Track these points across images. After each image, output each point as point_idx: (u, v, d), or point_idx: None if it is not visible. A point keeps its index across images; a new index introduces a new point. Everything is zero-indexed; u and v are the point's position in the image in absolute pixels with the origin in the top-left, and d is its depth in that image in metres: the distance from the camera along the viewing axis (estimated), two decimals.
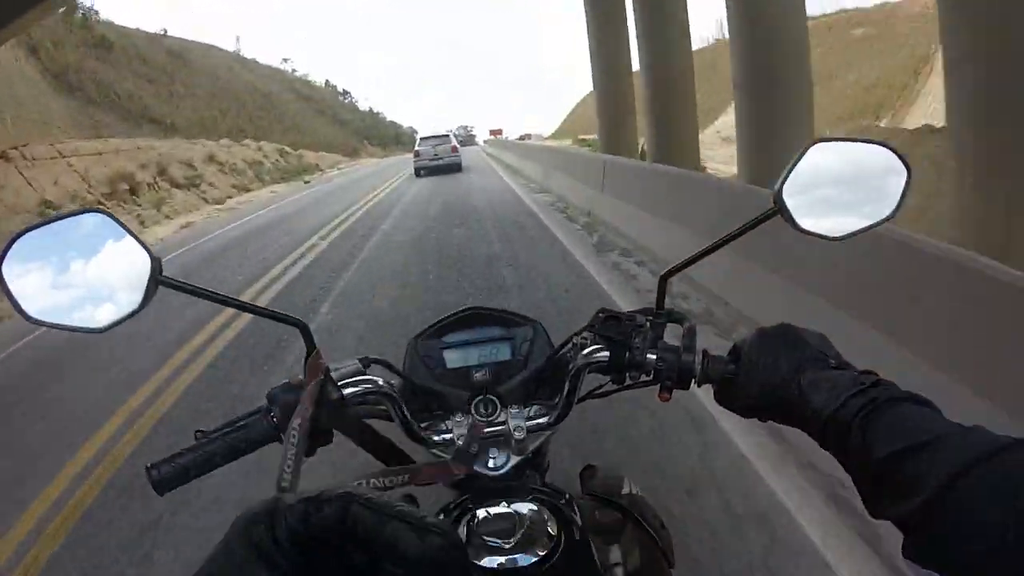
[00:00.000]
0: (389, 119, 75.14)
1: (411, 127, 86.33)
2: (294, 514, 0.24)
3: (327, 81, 65.91)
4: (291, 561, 0.24)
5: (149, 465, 0.53)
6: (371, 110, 70.50)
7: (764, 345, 0.52)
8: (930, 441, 0.37)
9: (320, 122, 43.22)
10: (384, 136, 62.05)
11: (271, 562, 0.24)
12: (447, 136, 18.41)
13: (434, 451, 0.58)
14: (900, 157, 0.58)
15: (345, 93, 66.44)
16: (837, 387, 0.45)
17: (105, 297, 0.51)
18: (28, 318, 0.52)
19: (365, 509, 0.25)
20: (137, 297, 0.50)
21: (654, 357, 0.55)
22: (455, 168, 17.03)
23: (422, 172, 16.98)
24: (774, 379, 0.49)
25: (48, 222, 0.53)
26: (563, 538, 0.49)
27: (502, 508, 0.50)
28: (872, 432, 0.41)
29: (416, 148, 17.77)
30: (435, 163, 17.13)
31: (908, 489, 0.37)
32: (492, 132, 56.62)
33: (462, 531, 0.50)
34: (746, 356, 0.52)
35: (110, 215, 0.51)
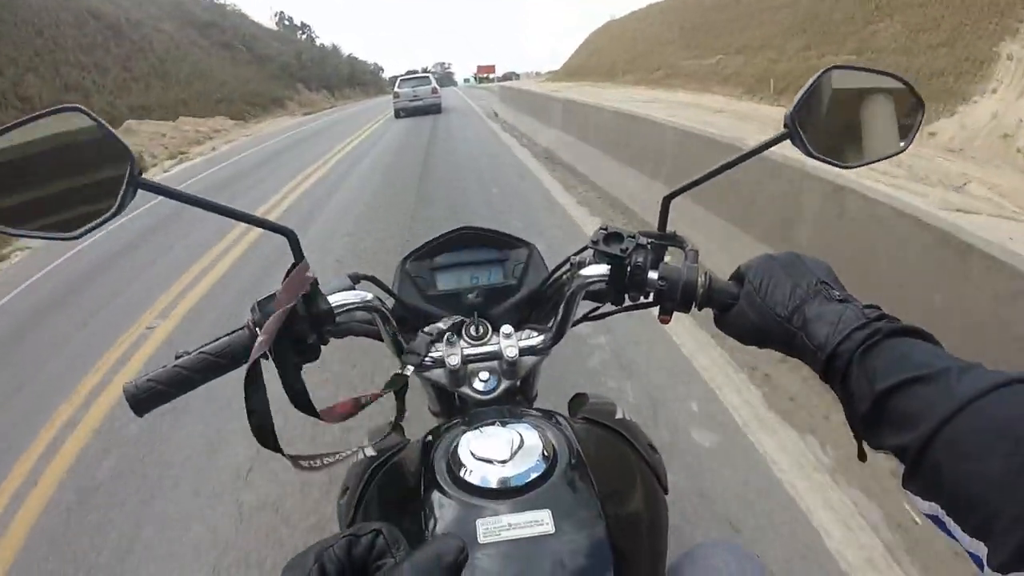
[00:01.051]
0: (346, 53, 63.80)
1: (376, 63, 77.63)
2: (340, 549, 0.28)
3: (281, 13, 58.27)
4: None
5: (127, 383, 0.51)
6: (329, 46, 59.34)
7: (768, 272, 0.51)
8: (931, 375, 0.37)
9: (222, 63, 29.30)
10: (333, 75, 48.22)
11: None
12: (427, 77, 18.25)
13: (424, 373, 0.56)
14: (913, 91, 0.56)
15: (303, 27, 58.47)
16: (841, 321, 0.44)
17: (80, 201, 0.48)
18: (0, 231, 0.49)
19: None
20: (113, 201, 0.47)
21: (656, 277, 0.54)
22: (435, 110, 16.79)
23: (402, 113, 16.78)
24: (776, 309, 0.48)
25: (20, 123, 0.50)
26: (557, 457, 0.47)
27: (495, 428, 0.48)
28: (873, 364, 0.41)
29: (395, 90, 17.60)
30: (415, 104, 16.90)
31: (908, 421, 0.37)
32: (482, 69, 45.49)
33: (455, 451, 0.48)
34: (749, 283, 0.51)
35: (86, 111, 0.48)
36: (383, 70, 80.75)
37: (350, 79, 55.00)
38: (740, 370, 2.24)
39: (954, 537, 0.34)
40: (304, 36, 57.49)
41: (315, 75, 42.86)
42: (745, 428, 1.92)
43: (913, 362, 0.39)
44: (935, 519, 0.36)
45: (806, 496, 1.61)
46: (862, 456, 0.44)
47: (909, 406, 0.37)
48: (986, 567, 0.31)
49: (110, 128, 0.47)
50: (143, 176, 0.47)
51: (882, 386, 0.39)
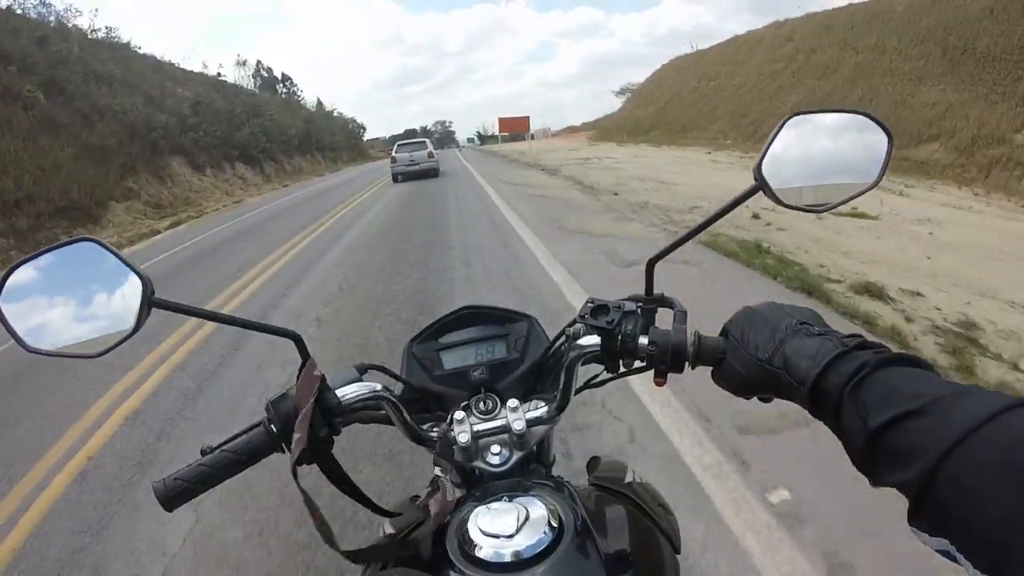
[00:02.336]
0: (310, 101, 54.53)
1: (355, 120, 64.86)
2: None
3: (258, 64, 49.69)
4: None
5: (155, 482, 0.54)
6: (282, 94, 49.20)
7: (748, 321, 0.52)
8: (926, 406, 0.36)
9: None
10: (274, 138, 28.41)
11: None
12: (423, 142, 19.18)
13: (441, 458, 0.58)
14: (879, 123, 0.58)
15: (285, 79, 52.08)
16: (819, 352, 0.44)
17: (100, 322, 0.52)
18: (28, 349, 0.53)
19: None
20: (131, 320, 0.50)
21: (646, 343, 0.55)
22: (432, 173, 17.31)
23: (400, 178, 17.31)
24: (758, 353, 0.49)
25: (40, 254, 0.54)
26: (564, 528, 0.49)
27: (502, 503, 0.51)
28: (864, 400, 0.39)
29: (393, 154, 18.24)
30: (411, 168, 17.47)
31: (907, 457, 0.36)
32: (505, 124, 31.08)
33: (466, 528, 0.50)
34: (732, 335, 0.52)
35: (100, 242, 0.52)
36: (364, 129, 70.62)
37: (306, 143, 37.14)
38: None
39: (967, 569, 0.33)
40: (287, 94, 51.27)
41: (243, 141, 24.66)
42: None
43: (905, 394, 0.38)
44: (946, 553, 0.34)
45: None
46: (875, 483, 0.41)
47: (905, 442, 0.36)
48: None
49: (123, 257, 0.51)
50: (155, 295, 0.50)
51: (875, 423, 0.38)
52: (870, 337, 0.46)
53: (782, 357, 0.47)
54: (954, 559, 0.33)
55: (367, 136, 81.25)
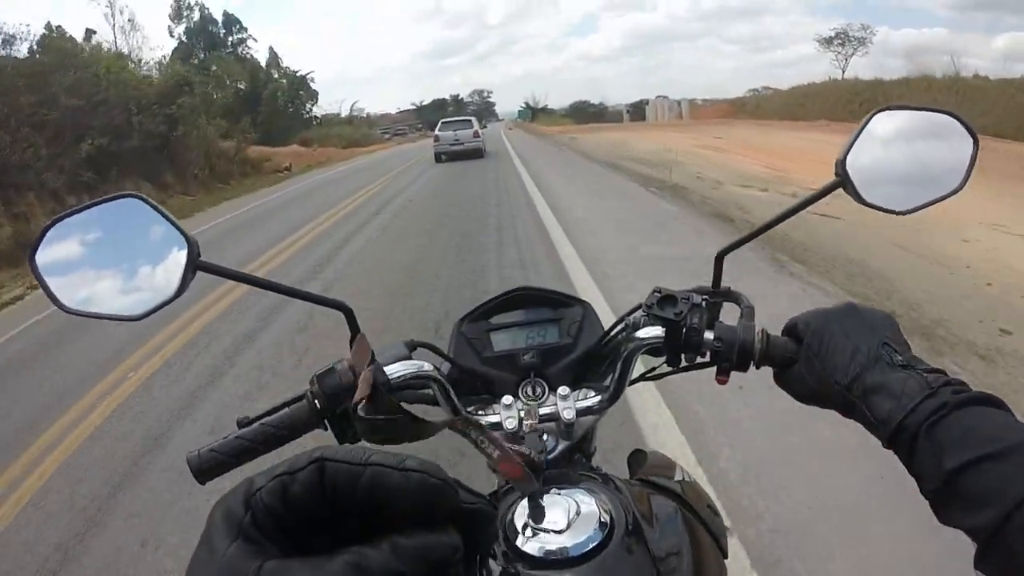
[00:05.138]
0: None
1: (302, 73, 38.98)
2: (270, 494, 0.23)
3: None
4: (278, 543, 0.23)
5: (190, 452, 0.52)
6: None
7: (826, 333, 0.49)
8: (1004, 451, 0.37)
9: None
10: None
11: (258, 549, 0.22)
12: (469, 120, 17.97)
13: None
14: (967, 126, 0.55)
15: (231, 24, 36.80)
16: (904, 394, 0.43)
17: (140, 283, 0.50)
18: (64, 309, 0.51)
19: (340, 464, 0.23)
20: (174, 283, 0.48)
21: (711, 337, 0.53)
22: (476, 154, 16.21)
23: (443, 157, 16.32)
24: (836, 375, 0.47)
25: (82, 208, 0.52)
26: (615, 525, 0.47)
27: (552, 496, 0.48)
28: (942, 439, 0.39)
29: (436, 133, 17.24)
30: (455, 148, 16.39)
31: (982, 501, 0.36)
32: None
33: (510, 518, 0.48)
34: (807, 346, 0.50)
35: (144, 199, 0.50)
36: (313, 98, 41.69)
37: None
38: None
39: None
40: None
41: None
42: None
43: (983, 436, 0.38)
44: None
45: None
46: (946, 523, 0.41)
47: (981, 485, 0.36)
48: None
49: (169, 214, 0.48)
50: (201, 259, 0.48)
51: (952, 464, 0.38)
52: (951, 372, 0.45)
53: (862, 387, 0.45)
54: None
55: (374, 109, 67.57)
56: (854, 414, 0.46)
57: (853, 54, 41.85)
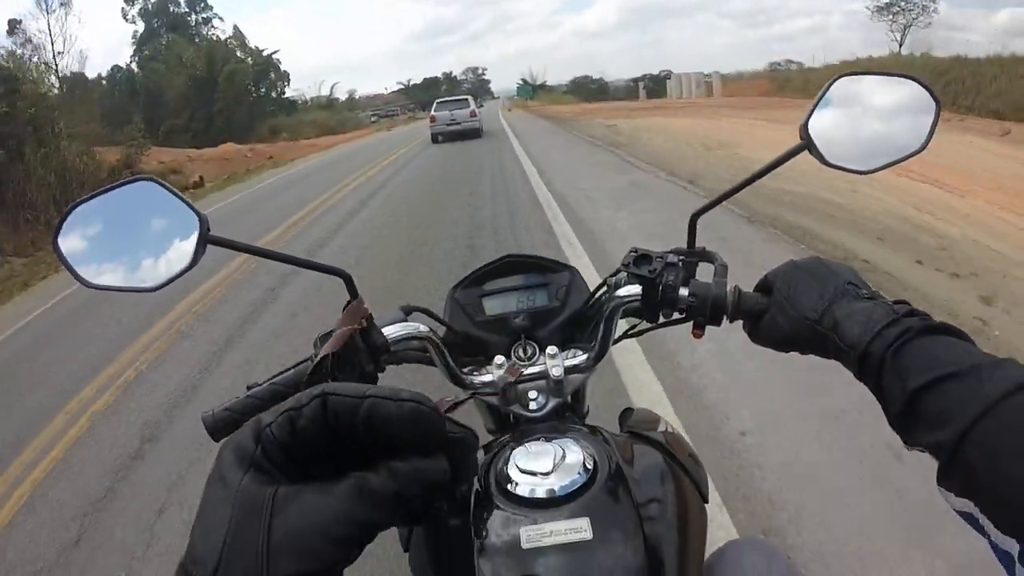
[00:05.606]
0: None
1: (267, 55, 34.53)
2: (280, 427, 0.25)
3: None
4: (287, 472, 0.25)
5: (204, 413, 0.56)
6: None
7: (794, 278, 0.52)
8: (962, 372, 0.38)
9: None
10: None
11: (269, 478, 0.25)
12: (465, 99, 17.69)
13: (479, 397, 0.60)
14: (928, 90, 0.57)
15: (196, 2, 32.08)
16: (872, 319, 0.45)
17: (158, 258, 0.54)
18: (86, 284, 0.55)
19: (341, 397, 0.25)
20: (187, 256, 0.52)
21: (686, 294, 0.56)
22: (473, 134, 15.92)
23: (440, 138, 16.07)
24: (806, 313, 0.49)
25: (100, 193, 0.56)
26: (598, 470, 0.50)
27: (540, 443, 0.52)
28: (905, 362, 0.41)
29: (432, 113, 16.89)
30: (452, 128, 16.12)
31: (941, 420, 0.37)
32: None
33: (502, 465, 0.51)
34: (777, 291, 0.53)
35: (158, 181, 0.54)
36: (285, 79, 37.12)
37: None
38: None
39: (986, 535, 0.35)
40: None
41: None
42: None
43: (944, 360, 0.40)
44: (967, 516, 0.36)
45: None
46: (909, 447, 0.44)
47: (941, 404, 0.38)
48: (1018, 564, 0.32)
49: (181, 195, 0.52)
50: (212, 233, 0.52)
51: (914, 385, 0.39)
52: (916, 304, 0.45)
53: (832, 319, 0.47)
54: (974, 521, 0.35)
55: (361, 92, 61.62)
56: (826, 347, 0.48)
57: (910, 25, 35.02)
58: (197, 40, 33.16)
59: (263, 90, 35.30)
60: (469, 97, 18.61)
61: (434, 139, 16.28)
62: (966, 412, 0.36)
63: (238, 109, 30.27)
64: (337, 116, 39.01)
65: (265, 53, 35.41)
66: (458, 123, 16.23)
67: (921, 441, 0.39)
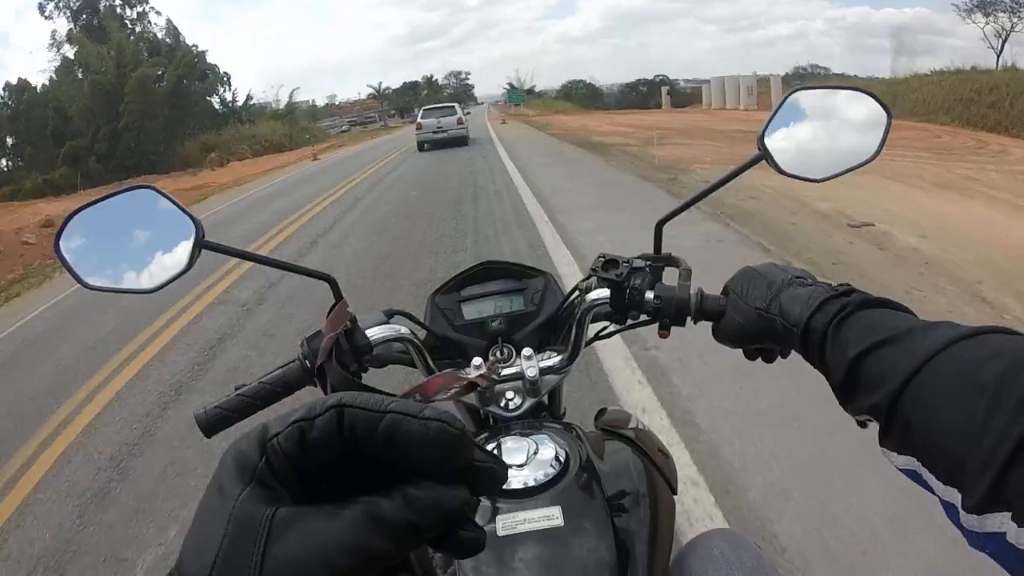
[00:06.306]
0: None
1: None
2: (288, 439, 0.22)
3: None
4: (292, 490, 0.23)
5: (197, 411, 0.59)
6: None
7: (747, 278, 0.56)
8: (898, 335, 0.39)
9: None
10: None
11: (271, 495, 0.22)
12: (452, 107, 17.53)
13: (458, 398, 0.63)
14: (879, 101, 0.61)
15: None
16: (812, 297, 0.48)
17: (155, 262, 0.57)
18: (86, 285, 0.58)
19: (360, 411, 0.23)
20: (183, 260, 0.55)
21: (652, 297, 0.60)
22: (460, 142, 15.84)
23: (426, 146, 15.90)
24: (756, 303, 0.53)
25: (100, 200, 0.59)
26: (570, 463, 0.54)
27: (515, 438, 0.55)
28: (845, 334, 0.43)
29: (419, 120, 16.69)
30: (438, 136, 16.01)
31: (878, 381, 0.39)
32: None
33: None
34: (732, 291, 0.57)
35: (156, 189, 0.57)
36: (224, 83, 32.45)
37: None
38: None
39: (931, 489, 0.36)
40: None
41: None
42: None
43: (881, 327, 0.41)
44: (911, 473, 0.38)
45: None
46: (862, 425, 0.45)
47: (878, 368, 0.39)
48: (961, 511, 0.33)
49: (177, 202, 0.56)
50: (206, 239, 0.55)
51: (853, 352, 0.41)
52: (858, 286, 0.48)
53: (778, 305, 0.51)
54: (918, 478, 0.37)
55: (342, 98, 61.30)
56: (775, 333, 0.51)
57: (1012, 30, 27.10)
58: (132, 38, 27.69)
59: (214, 98, 29.65)
60: (456, 105, 18.45)
61: (420, 147, 16.18)
62: (900, 371, 0.37)
63: (150, 123, 24.52)
64: (293, 127, 32.65)
65: (198, 49, 29.52)
66: (445, 131, 16.13)
67: (862, 406, 0.41)
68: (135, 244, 0.59)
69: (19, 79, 25.06)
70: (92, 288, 0.58)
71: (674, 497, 0.64)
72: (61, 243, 0.59)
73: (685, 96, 39.47)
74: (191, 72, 28.05)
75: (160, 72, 26.30)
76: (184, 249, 0.56)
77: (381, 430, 0.22)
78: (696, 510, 1.63)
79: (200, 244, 0.55)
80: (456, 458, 0.24)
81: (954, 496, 0.33)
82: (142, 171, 21.34)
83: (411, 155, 15.50)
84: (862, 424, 0.45)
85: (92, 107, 22.30)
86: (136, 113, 23.75)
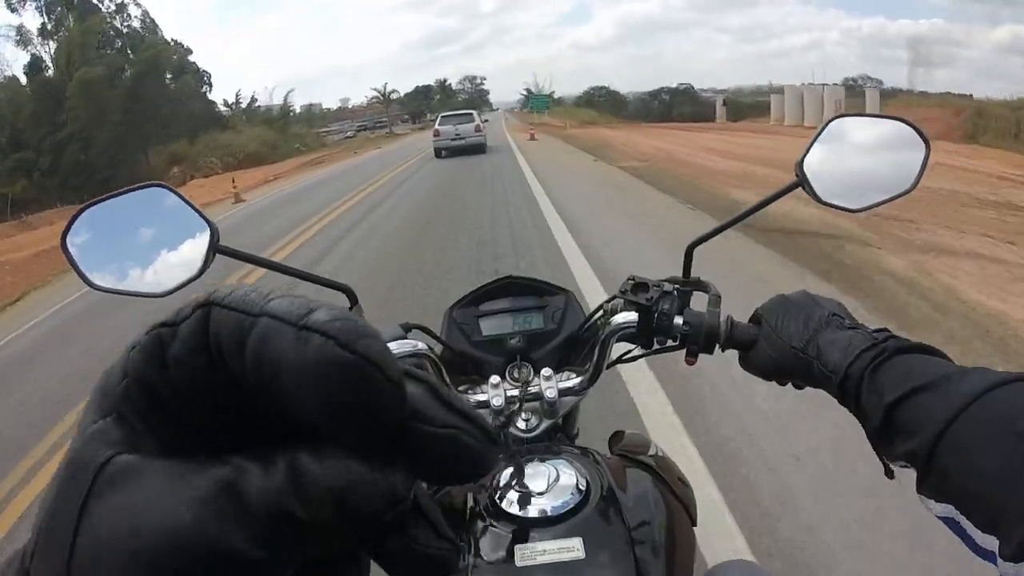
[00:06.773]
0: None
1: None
2: (143, 352, 0.15)
3: None
4: (155, 427, 0.15)
5: None
6: None
7: (782, 310, 0.54)
8: (934, 382, 0.39)
9: None
10: None
11: (125, 434, 0.15)
12: (470, 114, 17.05)
13: None
14: (918, 131, 0.60)
15: None
16: (852, 344, 0.47)
17: (167, 265, 0.55)
18: (93, 286, 0.55)
19: (228, 312, 0.15)
20: (197, 264, 0.53)
21: (681, 322, 0.58)
22: (478, 149, 15.33)
23: (443, 152, 15.49)
24: (792, 341, 0.51)
25: (110, 196, 0.57)
26: (591, 491, 0.52)
27: (535, 464, 0.53)
28: (881, 380, 0.43)
29: (436, 127, 16.42)
30: (456, 143, 15.47)
31: (915, 428, 0.38)
32: None
33: (496, 483, 0.53)
34: (766, 322, 0.55)
35: (169, 188, 0.55)
36: (204, 82, 29.55)
37: None
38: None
39: (969, 537, 0.35)
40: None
41: None
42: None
43: (917, 373, 0.41)
44: (949, 522, 0.37)
45: None
46: (889, 474, 0.45)
47: (915, 414, 0.39)
48: (999, 560, 0.32)
49: (192, 203, 0.53)
50: (221, 243, 0.53)
51: (889, 399, 0.41)
52: (897, 331, 0.48)
53: (816, 347, 0.49)
54: (955, 525, 0.36)
55: (354, 102, 57.68)
56: (811, 375, 0.50)
57: None
58: (112, 33, 24.66)
59: (154, 98, 24.01)
60: (474, 112, 18.21)
61: (437, 154, 15.92)
62: (937, 418, 0.37)
63: (99, 133, 19.93)
64: (283, 134, 29.04)
65: (173, 42, 25.30)
66: (463, 138, 15.74)
67: (899, 452, 0.41)
68: (145, 244, 0.56)
69: None
70: (99, 289, 0.56)
71: (694, 529, 0.62)
72: (69, 239, 0.56)
73: (742, 108, 34.71)
74: (155, 70, 23.51)
75: (124, 71, 22.04)
76: (197, 252, 0.53)
77: (250, 345, 0.14)
78: None
79: (215, 248, 0.53)
80: (370, 410, 0.14)
81: (992, 544, 0.33)
82: (90, 190, 15.60)
83: (399, 201, 8.71)
84: (890, 473, 0.44)
85: (38, 112, 18.26)
86: (81, 120, 19.20)
